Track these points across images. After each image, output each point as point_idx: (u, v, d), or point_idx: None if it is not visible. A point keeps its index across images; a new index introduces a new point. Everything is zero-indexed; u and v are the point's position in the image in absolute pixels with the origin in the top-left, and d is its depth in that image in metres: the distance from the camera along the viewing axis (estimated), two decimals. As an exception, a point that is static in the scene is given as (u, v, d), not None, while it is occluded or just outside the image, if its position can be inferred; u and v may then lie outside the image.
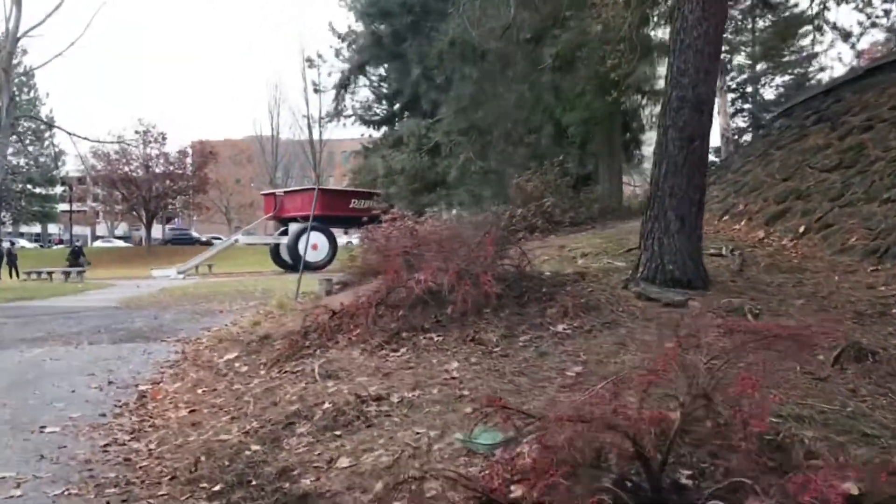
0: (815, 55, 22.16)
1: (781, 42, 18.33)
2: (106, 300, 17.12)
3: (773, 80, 29.64)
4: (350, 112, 55.80)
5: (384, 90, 34.72)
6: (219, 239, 75.87)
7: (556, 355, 5.37)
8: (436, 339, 6.04)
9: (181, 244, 61.70)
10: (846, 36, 18.12)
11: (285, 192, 34.90)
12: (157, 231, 64.79)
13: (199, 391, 6.68)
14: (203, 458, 4.62)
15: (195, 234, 72.08)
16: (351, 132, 58.64)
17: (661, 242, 6.39)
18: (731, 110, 26.19)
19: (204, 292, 18.29)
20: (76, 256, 32.65)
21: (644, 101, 16.62)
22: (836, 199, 8.03)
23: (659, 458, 3.19)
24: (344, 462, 4.10)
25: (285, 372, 6.47)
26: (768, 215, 8.91)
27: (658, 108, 16.48)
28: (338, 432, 4.58)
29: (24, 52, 46.25)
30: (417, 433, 4.28)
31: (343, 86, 33.40)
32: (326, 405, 5.04)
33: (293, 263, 33.18)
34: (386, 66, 33.31)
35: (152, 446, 5.20)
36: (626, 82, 11.34)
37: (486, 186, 11.69)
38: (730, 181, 10.37)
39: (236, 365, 7.52)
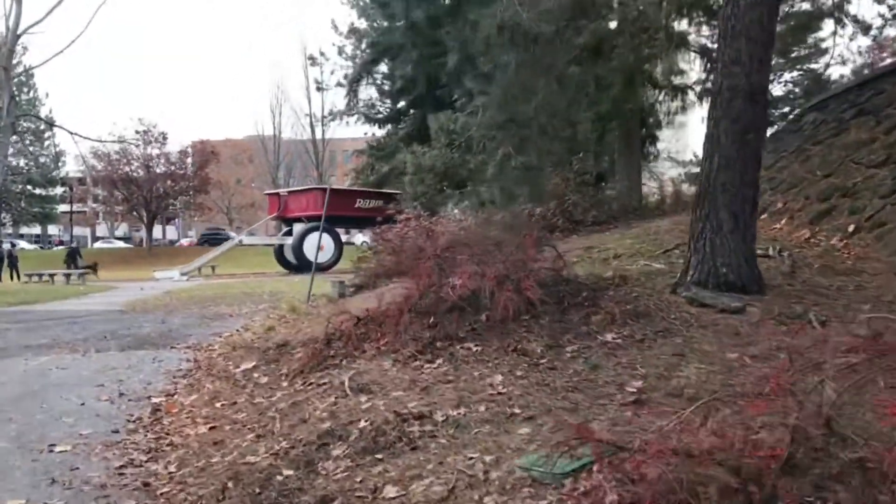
0: (826, 50, 21.70)
1: (801, 34, 17.84)
2: (110, 304, 16.68)
3: (780, 75, 29.04)
4: (354, 110, 55.69)
5: (393, 86, 34.12)
6: (219, 232, 75.99)
7: (610, 368, 4.95)
8: (474, 349, 5.61)
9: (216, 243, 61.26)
10: (866, 29, 17.70)
11: (289, 192, 34.46)
12: (157, 231, 64.32)
13: (218, 404, 6.25)
14: (230, 484, 4.21)
15: (231, 234, 71.85)
16: (353, 131, 58.36)
17: (713, 243, 5.97)
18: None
19: (210, 295, 17.86)
20: (73, 258, 32.21)
21: (661, 97, 16.17)
22: (887, 197, 7.60)
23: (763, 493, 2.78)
24: (391, 491, 3.69)
25: (310, 384, 6.04)
26: (812, 214, 8.48)
27: (675, 104, 16.14)
28: (379, 455, 4.16)
29: (25, 49, 45.72)
30: (470, 458, 3.86)
31: (356, 80, 32.72)
32: (362, 423, 4.61)
33: (298, 264, 32.78)
34: (396, 59, 32.62)
35: (172, 468, 4.79)
36: (652, 75, 10.91)
37: (523, 183, 11.19)
38: (763, 178, 9.91)
39: (255, 375, 7.10)
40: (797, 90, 27.65)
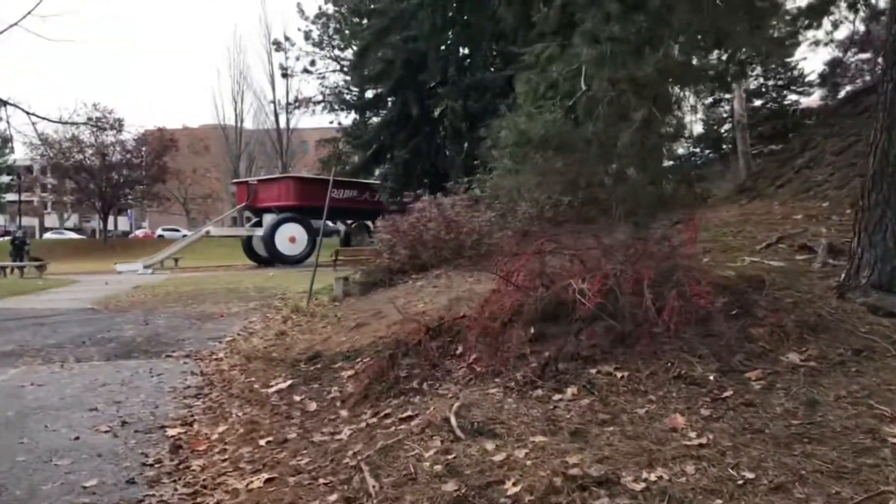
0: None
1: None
2: (76, 300, 14.95)
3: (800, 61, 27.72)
4: (321, 98, 53.77)
5: (371, 70, 32.45)
6: (176, 231, 73.40)
7: (834, 405, 3.65)
8: (617, 375, 4.27)
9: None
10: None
11: (259, 181, 32.69)
12: (109, 222, 61.41)
13: (262, 441, 4.81)
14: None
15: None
16: (318, 120, 56.41)
17: (897, 235, 4.74)
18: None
19: (188, 291, 16.21)
20: (19, 249, 29.79)
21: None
22: None
23: None
24: None
25: (385, 416, 4.64)
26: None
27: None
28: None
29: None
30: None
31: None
32: (511, 488, 3.25)
33: (268, 257, 31.06)
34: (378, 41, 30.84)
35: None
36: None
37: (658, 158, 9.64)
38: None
39: (296, 399, 5.67)
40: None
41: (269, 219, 30.26)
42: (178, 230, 75.14)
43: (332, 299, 12.05)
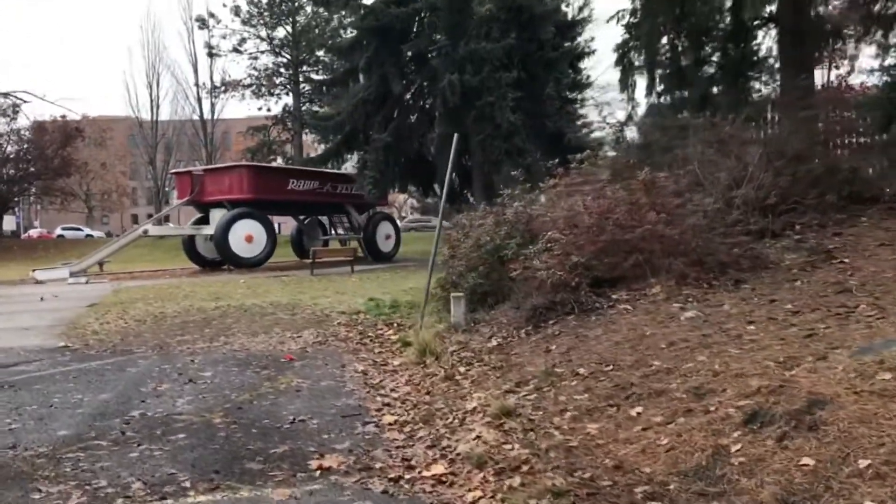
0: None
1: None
2: (28, 331, 10.35)
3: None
4: (250, 81, 48.62)
5: (339, 43, 28.22)
6: (78, 231, 66.15)
7: None
8: None
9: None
10: None
11: (206, 171, 27.81)
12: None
13: None
14: None
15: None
16: (244, 108, 51.66)
17: None
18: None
19: (176, 311, 11.81)
20: None
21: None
22: None
23: None
24: None
25: None
26: None
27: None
28: None
29: None
30: None
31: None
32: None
33: (217, 260, 26.35)
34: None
35: None
36: None
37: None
38: None
39: None
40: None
41: (219, 215, 25.52)
42: (80, 229, 67.90)
43: (449, 329, 8.19)
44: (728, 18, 13.32)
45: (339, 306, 11.77)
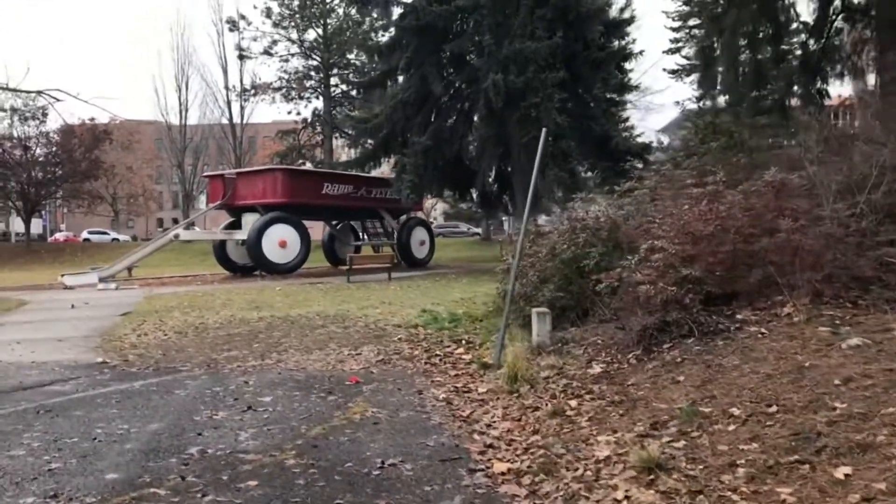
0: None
1: None
2: (60, 344, 9.55)
3: None
4: (279, 85, 47.96)
5: (378, 43, 27.54)
6: (104, 234, 65.98)
7: None
8: None
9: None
10: None
11: (239, 174, 27.11)
12: (18, 224, 53.87)
13: None
14: None
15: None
16: (273, 112, 51.32)
17: None
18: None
19: (216, 322, 10.98)
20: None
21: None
22: None
23: None
24: None
25: None
26: None
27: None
28: None
29: None
30: None
31: None
32: None
33: (249, 265, 25.60)
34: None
35: None
36: None
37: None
38: None
39: None
40: None
41: (252, 219, 24.78)
42: (106, 233, 67.73)
43: (535, 350, 7.25)
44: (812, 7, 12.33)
45: (393, 318, 10.87)
